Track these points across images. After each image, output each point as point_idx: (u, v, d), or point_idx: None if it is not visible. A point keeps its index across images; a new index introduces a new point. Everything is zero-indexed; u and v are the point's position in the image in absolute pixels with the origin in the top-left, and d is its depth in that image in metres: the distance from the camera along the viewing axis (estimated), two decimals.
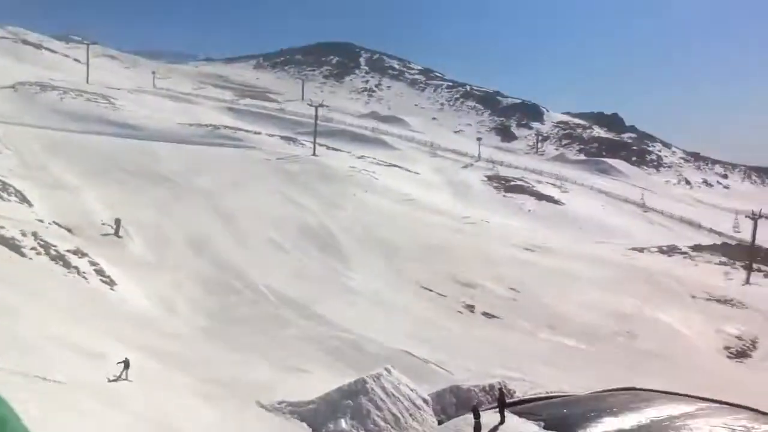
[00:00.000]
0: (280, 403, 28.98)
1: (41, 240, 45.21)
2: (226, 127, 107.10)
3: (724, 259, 79.09)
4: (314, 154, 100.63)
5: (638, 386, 33.99)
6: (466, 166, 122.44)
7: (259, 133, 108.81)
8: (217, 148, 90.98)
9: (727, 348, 49.18)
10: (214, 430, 25.52)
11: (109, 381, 26.23)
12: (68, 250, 45.27)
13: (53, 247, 44.79)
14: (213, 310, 42.22)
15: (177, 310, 41.73)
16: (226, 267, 50.51)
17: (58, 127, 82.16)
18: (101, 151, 74.10)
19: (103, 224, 54.24)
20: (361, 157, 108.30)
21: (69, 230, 51.22)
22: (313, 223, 65.58)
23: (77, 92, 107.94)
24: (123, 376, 26.79)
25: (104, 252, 47.55)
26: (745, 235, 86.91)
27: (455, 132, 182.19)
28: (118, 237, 52.87)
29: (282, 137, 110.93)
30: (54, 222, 51.64)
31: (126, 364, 27.01)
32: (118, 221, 54.12)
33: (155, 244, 53.61)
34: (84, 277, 42.54)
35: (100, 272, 43.77)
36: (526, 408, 27.92)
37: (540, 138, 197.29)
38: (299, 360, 35.49)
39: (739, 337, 51.18)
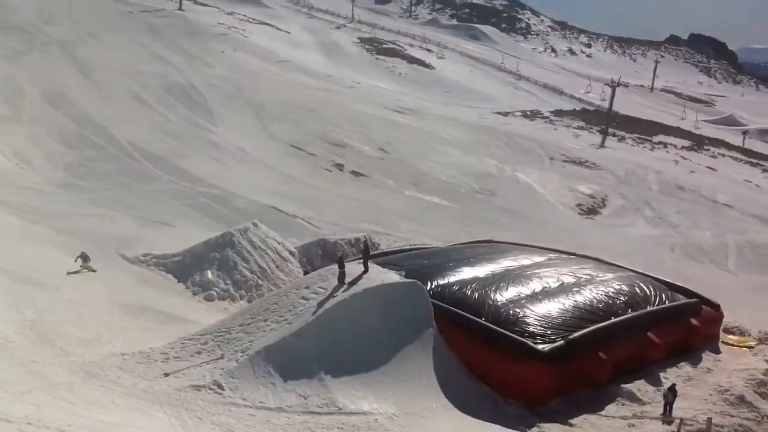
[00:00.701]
0: (144, 255, 28.79)
1: None
2: None
3: (582, 123, 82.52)
4: (180, 9, 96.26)
5: (495, 239, 35.74)
6: (338, 27, 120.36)
7: None
8: None
9: (579, 205, 51.94)
10: (74, 280, 25.22)
11: (69, 273, 25.07)
12: None
13: None
14: (72, 164, 40.71)
15: (34, 164, 40.00)
16: (86, 121, 48.47)
17: None
18: None
19: None
20: (231, 13, 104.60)
21: None
22: (179, 80, 63.48)
23: None
24: (85, 270, 25.77)
25: None
26: (602, 100, 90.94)
27: None
28: None
29: None
30: None
31: (84, 257, 26.01)
32: None
33: (8, 97, 50.71)
34: None
35: None
36: (389, 259, 28.92)
37: (414, 1, 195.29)
38: (164, 215, 35.06)
39: (590, 196, 54.11)
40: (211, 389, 18.54)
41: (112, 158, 42.97)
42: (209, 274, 28.07)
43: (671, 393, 21.35)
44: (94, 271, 26.11)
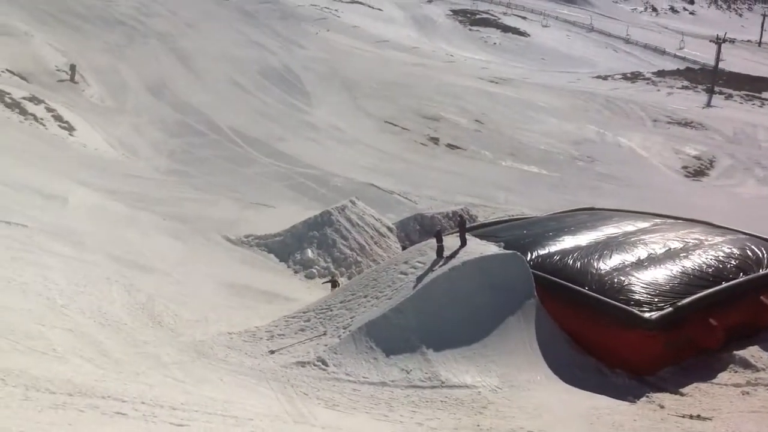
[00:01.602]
0: (246, 236, 29.43)
1: None
2: None
3: (686, 83, 79.64)
4: None
5: (597, 207, 34.89)
6: (430, 1, 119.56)
7: None
8: None
9: (685, 168, 50.26)
10: (185, 263, 25.99)
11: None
12: (24, 98, 44.20)
13: (7, 95, 43.65)
14: (175, 152, 41.96)
15: (139, 153, 41.40)
16: (186, 109, 49.82)
17: None
18: None
19: (58, 70, 52.76)
20: None
21: (23, 78, 49.85)
22: (275, 63, 64.43)
23: None
24: None
25: (61, 98, 46.59)
26: (708, 59, 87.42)
27: None
28: (74, 83, 51.64)
29: None
30: (7, 70, 50.16)
31: (333, 283, 25.47)
32: (73, 67, 52.70)
33: (113, 90, 52.56)
34: (41, 123, 41.77)
35: (57, 118, 42.96)
36: (488, 231, 28.63)
37: None
38: (264, 196, 35.76)
39: (697, 157, 52.23)
40: (315, 365, 18.80)
41: (213, 144, 44.06)
42: (309, 253, 28.49)
43: None
44: None
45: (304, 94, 57.85)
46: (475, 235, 25.83)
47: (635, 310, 22.03)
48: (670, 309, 22.16)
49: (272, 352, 19.62)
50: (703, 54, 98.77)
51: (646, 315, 21.83)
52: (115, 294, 21.39)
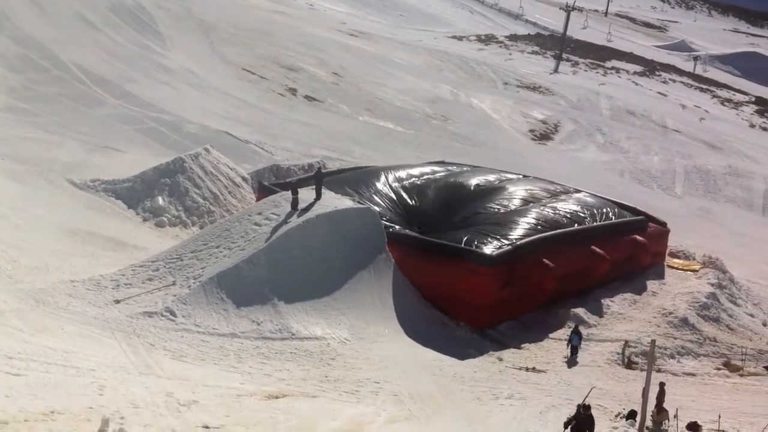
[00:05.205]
0: (93, 181, 28.20)
1: None
2: None
3: (536, 48, 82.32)
4: None
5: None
6: None
7: None
8: None
9: (532, 131, 52.13)
10: (25, 207, 24.67)
11: None
12: None
13: None
14: (15, 88, 39.14)
15: None
16: (29, 43, 46.60)
17: None
18: None
19: None
20: None
21: None
22: (127, 0, 61.37)
23: None
24: None
25: None
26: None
27: None
28: None
29: None
30: None
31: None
32: None
33: None
34: None
35: None
36: (340, 178, 28.92)
37: None
38: (112, 140, 34.18)
39: (543, 122, 54.31)
40: (163, 316, 18.54)
41: (57, 81, 41.50)
42: (160, 200, 27.72)
43: (576, 335, 21.56)
44: None
45: (158, 35, 55.37)
46: (330, 181, 26.07)
47: (475, 248, 23.05)
48: (509, 247, 23.39)
49: (118, 301, 19.12)
50: (553, 20, 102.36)
51: (487, 251, 22.94)
52: None
